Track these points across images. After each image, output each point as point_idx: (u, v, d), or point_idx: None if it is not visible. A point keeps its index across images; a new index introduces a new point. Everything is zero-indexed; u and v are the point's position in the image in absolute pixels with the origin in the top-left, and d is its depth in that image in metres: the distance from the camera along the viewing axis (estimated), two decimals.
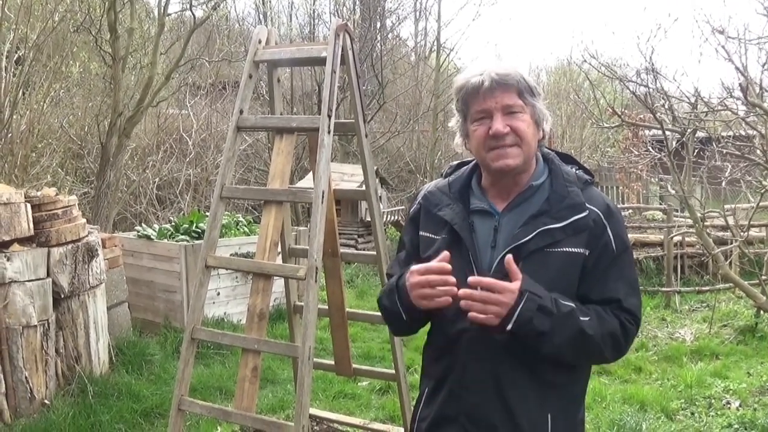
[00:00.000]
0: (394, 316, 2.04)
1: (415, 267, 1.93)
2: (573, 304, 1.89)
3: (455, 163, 2.21)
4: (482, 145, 1.96)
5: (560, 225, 1.93)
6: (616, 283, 1.97)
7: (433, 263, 1.89)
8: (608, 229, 1.96)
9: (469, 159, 2.16)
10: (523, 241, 1.92)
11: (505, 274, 1.88)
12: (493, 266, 1.94)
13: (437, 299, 1.87)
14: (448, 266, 1.86)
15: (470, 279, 1.84)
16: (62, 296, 4.97)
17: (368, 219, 10.45)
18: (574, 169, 2.08)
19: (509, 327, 1.82)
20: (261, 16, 14.86)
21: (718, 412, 5.02)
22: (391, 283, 2.05)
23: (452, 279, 1.85)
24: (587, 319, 1.89)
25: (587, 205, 1.96)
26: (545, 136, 2.03)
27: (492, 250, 1.97)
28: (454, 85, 2.02)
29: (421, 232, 2.11)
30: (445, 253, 1.89)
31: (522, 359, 1.93)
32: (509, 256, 1.85)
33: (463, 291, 1.83)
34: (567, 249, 1.93)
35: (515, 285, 1.82)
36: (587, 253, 1.94)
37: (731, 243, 6.71)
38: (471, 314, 1.83)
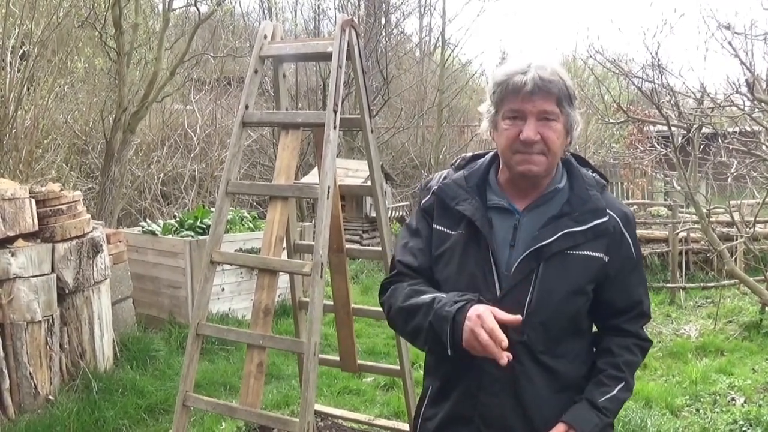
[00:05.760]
0: (433, 342, 1.88)
1: (482, 315, 1.75)
2: (613, 391, 1.99)
3: (469, 155, 2.15)
4: (509, 146, 1.91)
5: (582, 228, 1.92)
6: (638, 288, 2.07)
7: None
8: (627, 237, 1.99)
9: (481, 152, 2.12)
10: (546, 242, 1.90)
11: (525, 275, 1.89)
12: (513, 267, 1.91)
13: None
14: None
15: None
16: (67, 292, 4.98)
17: (373, 215, 10.44)
18: (590, 173, 2.07)
19: None
20: (265, 12, 14.86)
21: (723, 409, 5.01)
22: (441, 313, 1.84)
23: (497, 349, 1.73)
24: (623, 385, 2.03)
25: (608, 210, 1.96)
26: (572, 141, 1.99)
27: (511, 249, 1.93)
28: (495, 77, 1.94)
29: (434, 226, 2.04)
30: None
31: (539, 360, 1.91)
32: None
33: None
34: (587, 252, 1.93)
35: None
36: (606, 260, 1.94)
37: (737, 239, 6.68)
38: None
